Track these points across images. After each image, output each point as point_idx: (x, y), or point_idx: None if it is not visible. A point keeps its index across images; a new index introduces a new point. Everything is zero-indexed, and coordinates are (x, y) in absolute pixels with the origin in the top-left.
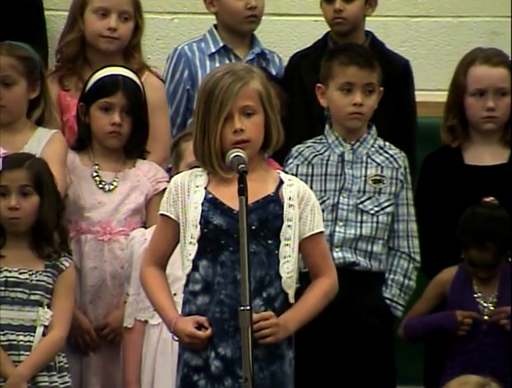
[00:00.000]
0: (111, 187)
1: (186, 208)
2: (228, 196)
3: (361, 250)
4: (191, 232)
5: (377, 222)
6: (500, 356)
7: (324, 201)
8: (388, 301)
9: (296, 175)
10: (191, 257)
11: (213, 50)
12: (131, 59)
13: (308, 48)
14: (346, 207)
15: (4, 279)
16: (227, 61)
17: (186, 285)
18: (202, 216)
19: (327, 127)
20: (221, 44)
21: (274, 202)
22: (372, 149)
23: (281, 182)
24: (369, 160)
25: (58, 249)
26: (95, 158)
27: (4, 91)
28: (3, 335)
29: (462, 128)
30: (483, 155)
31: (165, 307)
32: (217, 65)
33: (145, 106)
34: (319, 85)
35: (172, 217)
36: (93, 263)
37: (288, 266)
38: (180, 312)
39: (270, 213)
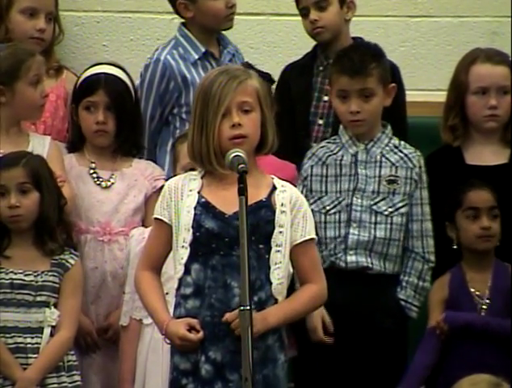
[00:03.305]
0: (109, 183)
1: (179, 212)
2: (221, 200)
3: (376, 252)
4: (184, 236)
5: (391, 224)
6: (497, 356)
7: (340, 202)
8: (402, 303)
9: (311, 176)
10: (183, 261)
11: (196, 57)
12: (50, 59)
13: (300, 59)
14: (359, 208)
15: (10, 281)
16: (208, 65)
17: (178, 289)
18: (194, 220)
19: (341, 127)
20: (203, 50)
21: (266, 207)
22: (387, 148)
23: (274, 188)
24: (383, 159)
25: (62, 244)
26: (91, 156)
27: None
28: (10, 337)
29: (463, 128)
30: (484, 155)
31: (158, 310)
32: (200, 70)
33: (131, 101)
34: (327, 87)
35: (166, 220)
36: (93, 263)
37: (279, 272)
38: (172, 315)
39: (261, 219)
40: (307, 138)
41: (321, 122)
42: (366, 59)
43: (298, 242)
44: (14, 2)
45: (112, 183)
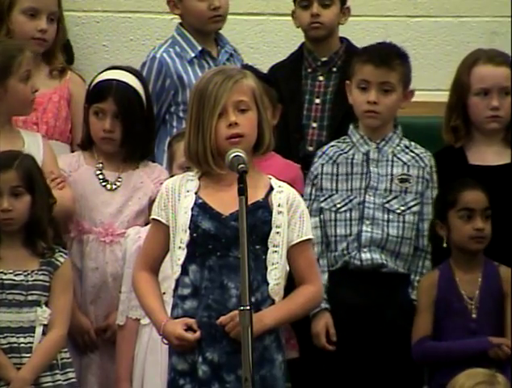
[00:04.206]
0: (114, 187)
1: (176, 213)
2: (218, 201)
3: (388, 250)
4: (181, 237)
5: (403, 222)
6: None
7: (351, 200)
8: (415, 303)
9: (322, 175)
10: (180, 262)
11: (193, 55)
12: (53, 60)
13: (285, 60)
14: (372, 205)
15: (0, 282)
16: (205, 64)
17: (176, 289)
18: (191, 220)
19: (351, 126)
20: (199, 48)
21: (263, 208)
22: (398, 147)
23: (271, 188)
24: (395, 159)
25: (52, 245)
26: (99, 156)
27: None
28: (3, 338)
29: (465, 129)
30: (486, 155)
31: (155, 310)
32: (197, 69)
33: (141, 110)
34: (347, 82)
35: (163, 221)
36: (94, 263)
37: (276, 273)
38: (169, 315)
39: (258, 219)
40: (301, 141)
41: (314, 125)
42: (392, 54)
43: (295, 242)
44: (16, 3)
45: (118, 187)
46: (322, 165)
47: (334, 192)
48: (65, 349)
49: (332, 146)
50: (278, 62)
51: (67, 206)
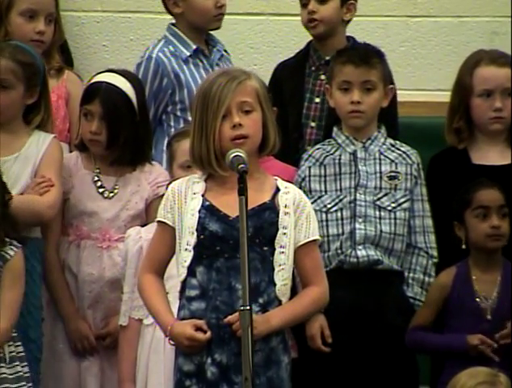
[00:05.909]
0: (111, 194)
1: (183, 215)
2: (225, 203)
3: (382, 247)
4: (187, 239)
5: (395, 218)
6: (499, 356)
7: (341, 200)
8: (411, 300)
9: (309, 177)
10: (186, 264)
11: (188, 54)
12: (51, 60)
13: (291, 58)
14: (363, 203)
15: None
16: (199, 63)
17: (182, 291)
18: (198, 223)
19: (335, 128)
20: (194, 47)
21: (269, 210)
22: (384, 146)
23: (277, 189)
24: (382, 157)
25: (3, 238)
26: (96, 160)
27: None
28: None
29: (468, 130)
30: (490, 155)
31: (161, 312)
32: (192, 68)
33: (130, 113)
34: (326, 86)
35: (169, 223)
36: (91, 269)
37: (283, 274)
38: (175, 316)
39: (265, 221)
40: (301, 140)
41: (313, 124)
42: (370, 53)
43: (301, 243)
44: (14, 4)
45: (115, 195)
46: (309, 167)
47: (323, 193)
48: (18, 343)
49: (317, 149)
50: (284, 60)
51: (37, 211)
